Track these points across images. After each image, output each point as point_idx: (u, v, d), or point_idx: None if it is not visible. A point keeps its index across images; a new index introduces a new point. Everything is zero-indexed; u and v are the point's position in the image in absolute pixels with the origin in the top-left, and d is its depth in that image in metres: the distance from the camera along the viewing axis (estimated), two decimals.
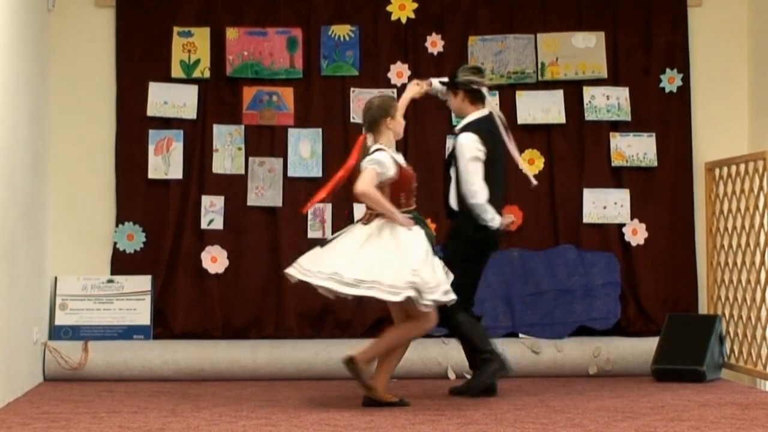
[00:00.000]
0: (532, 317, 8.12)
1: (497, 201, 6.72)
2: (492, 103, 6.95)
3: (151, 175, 8.19)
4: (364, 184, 6.28)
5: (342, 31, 8.34)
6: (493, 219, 6.66)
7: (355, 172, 6.42)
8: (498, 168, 6.75)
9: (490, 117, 6.82)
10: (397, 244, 6.26)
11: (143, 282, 8.08)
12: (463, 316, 6.72)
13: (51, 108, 8.07)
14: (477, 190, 6.64)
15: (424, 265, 6.20)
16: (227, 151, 8.25)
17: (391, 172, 6.36)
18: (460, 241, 6.76)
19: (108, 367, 7.72)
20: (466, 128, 6.77)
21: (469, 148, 6.67)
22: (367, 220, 6.40)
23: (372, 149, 6.42)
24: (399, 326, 6.47)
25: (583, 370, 7.88)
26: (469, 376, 7.08)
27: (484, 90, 6.84)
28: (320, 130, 8.31)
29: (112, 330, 7.99)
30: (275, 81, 8.31)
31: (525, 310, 8.13)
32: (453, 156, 6.78)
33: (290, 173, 8.27)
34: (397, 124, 6.53)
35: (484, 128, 6.74)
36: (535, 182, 7.14)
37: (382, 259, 6.21)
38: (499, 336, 7.94)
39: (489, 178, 6.67)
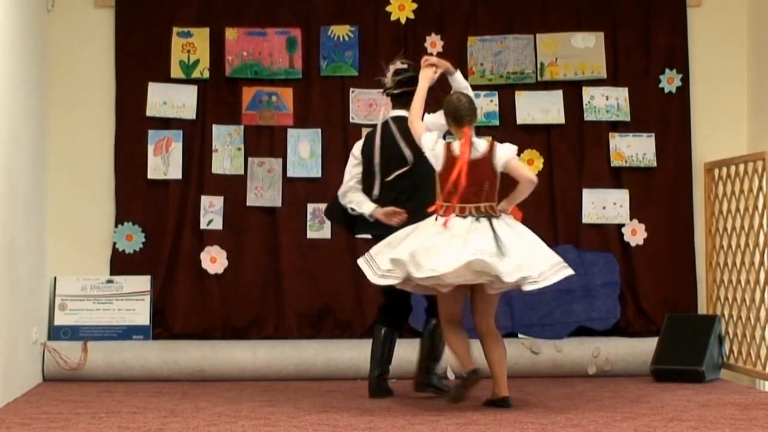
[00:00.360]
0: (532, 317, 8.12)
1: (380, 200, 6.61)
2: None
3: (150, 175, 8.20)
4: (530, 171, 6.51)
5: (341, 31, 8.35)
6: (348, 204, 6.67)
7: (471, 166, 6.23)
8: (371, 168, 6.65)
9: (384, 123, 6.73)
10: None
11: (142, 282, 8.08)
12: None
13: (50, 108, 8.07)
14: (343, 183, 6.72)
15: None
16: (226, 151, 8.25)
17: None
18: None
19: (107, 367, 7.71)
20: None
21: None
22: (468, 213, 6.25)
23: (483, 141, 6.36)
24: (495, 345, 6.36)
25: (582, 370, 7.88)
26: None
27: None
28: (319, 130, 8.31)
29: (112, 330, 7.99)
30: (274, 81, 8.31)
31: (524, 310, 8.13)
32: None
33: (289, 173, 8.27)
34: None
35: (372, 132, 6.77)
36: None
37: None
38: None
39: (367, 178, 6.65)
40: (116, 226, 8.18)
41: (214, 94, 8.29)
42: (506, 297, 8.07)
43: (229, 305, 8.17)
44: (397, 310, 6.78)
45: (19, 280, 6.93)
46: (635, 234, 8.34)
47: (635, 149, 8.36)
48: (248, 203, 8.24)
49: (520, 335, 8.07)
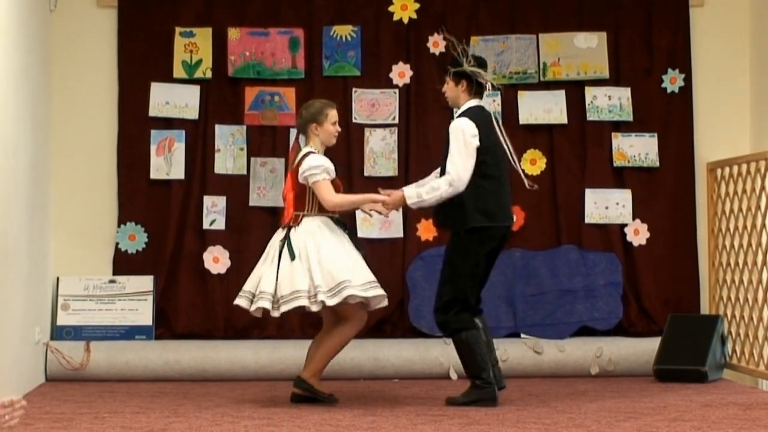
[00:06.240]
0: (534, 317, 8.12)
1: (498, 196, 6.44)
2: (487, 101, 6.74)
3: (153, 175, 8.20)
4: (330, 197, 6.37)
5: (344, 31, 8.35)
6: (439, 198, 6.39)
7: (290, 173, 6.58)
8: (495, 160, 6.45)
9: (484, 109, 6.57)
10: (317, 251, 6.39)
11: (145, 282, 8.08)
12: (471, 335, 6.39)
13: (53, 108, 8.08)
14: (462, 176, 6.29)
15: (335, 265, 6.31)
16: (229, 151, 8.26)
17: (333, 173, 6.49)
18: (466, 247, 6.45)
19: (110, 367, 7.72)
20: (462, 114, 6.50)
21: (462, 132, 6.36)
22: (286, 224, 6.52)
23: (303, 152, 6.52)
24: (334, 333, 6.48)
25: (585, 370, 7.88)
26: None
27: (488, 86, 6.62)
28: None
29: (114, 330, 7.99)
30: (277, 81, 8.31)
31: (527, 311, 8.13)
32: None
33: None
34: (323, 132, 6.56)
35: (479, 116, 6.48)
36: (530, 185, 6.76)
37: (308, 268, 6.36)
38: (501, 336, 7.95)
39: (488, 171, 6.40)
40: (119, 226, 8.18)
41: (217, 94, 8.29)
42: (509, 297, 8.10)
43: (231, 305, 8.13)
44: None
45: (21, 280, 6.93)
46: (638, 234, 8.34)
47: (638, 149, 8.36)
48: (251, 203, 8.25)
49: (522, 335, 8.07)
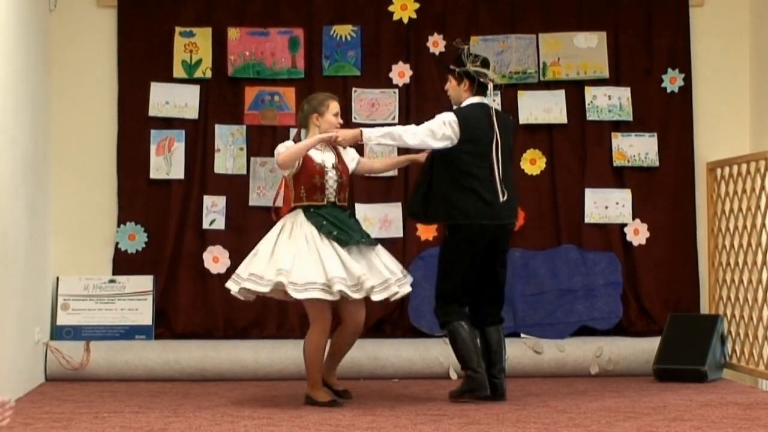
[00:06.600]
0: (534, 317, 8.12)
1: (479, 195, 6.43)
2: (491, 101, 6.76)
3: (152, 175, 8.20)
4: (279, 155, 6.46)
5: (343, 31, 8.35)
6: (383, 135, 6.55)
7: None
8: (479, 160, 6.45)
9: (484, 106, 6.57)
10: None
11: (145, 282, 8.08)
12: (457, 326, 6.50)
13: (52, 108, 8.07)
14: (425, 135, 6.42)
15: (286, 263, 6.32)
16: (229, 151, 8.26)
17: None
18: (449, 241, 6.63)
19: (110, 367, 7.72)
20: (455, 110, 6.57)
21: (442, 119, 6.45)
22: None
23: None
24: (304, 340, 6.53)
25: (584, 370, 7.88)
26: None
27: (490, 86, 6.65)
28: None
29: (114, 330, 7.99)
30: (277, 81, 8.31)
31: (527, 310, 8.13)
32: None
33: None
34: (324, 122, 6.59)
35: (471, 113, 6.51)
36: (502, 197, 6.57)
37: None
38: None
39: (468, 169, 6.43)
40: (119, 225, 8.18)
41: (217, 94, 8.29)
42: (509, 297, 8.09)
43: (231, 305, 8.15)
44: None
45: (21, 280, 6.93)
46: (637, 234, 8.34)
47: (637, 149, 8.36)
48: (250, 203, 8.25)
49: (522, 335, 8.07)
